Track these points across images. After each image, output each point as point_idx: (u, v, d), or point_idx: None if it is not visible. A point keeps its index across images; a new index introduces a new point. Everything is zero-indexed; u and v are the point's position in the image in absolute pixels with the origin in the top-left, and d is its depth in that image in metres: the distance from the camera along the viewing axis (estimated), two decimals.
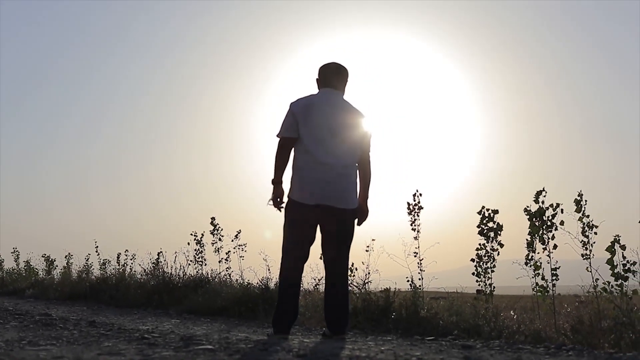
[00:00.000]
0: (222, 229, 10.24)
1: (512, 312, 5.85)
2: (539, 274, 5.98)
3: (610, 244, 5.31)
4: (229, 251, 9.97)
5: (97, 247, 14.67)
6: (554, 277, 5.86)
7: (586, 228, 5.57)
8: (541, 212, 5.91)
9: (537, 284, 5.98)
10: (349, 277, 6.82)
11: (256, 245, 9.71)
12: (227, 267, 9.90)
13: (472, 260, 6.44)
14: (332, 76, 5.04)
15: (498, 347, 4.34)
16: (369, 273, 6.96)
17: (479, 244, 6.45)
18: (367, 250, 7.03)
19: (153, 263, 11.19)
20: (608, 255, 5.32)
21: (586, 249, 5.54)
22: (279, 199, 4.91)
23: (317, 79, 5.10)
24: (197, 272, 10.28)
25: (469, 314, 5.63)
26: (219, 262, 10.01)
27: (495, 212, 6.45)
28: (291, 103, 4.91)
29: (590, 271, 5.45)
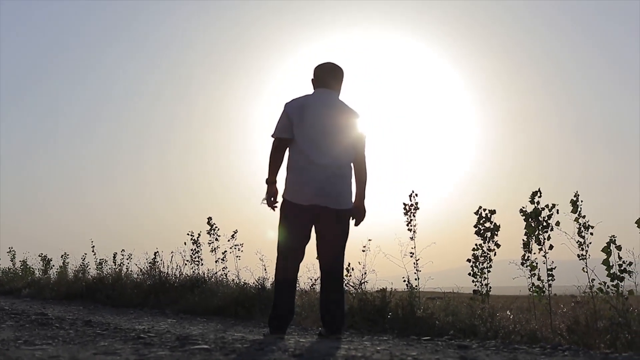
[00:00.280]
0: (218, 229, 10.26)
1: (508, 312, 5.85)
2: (535, 274, 5.99)
3: (606, 244, 5.32)
4: (225, 251, 9.99)
5: (93, 246, 14.68)
6: (550, 278, 5.87)
7: (582, 228, 5.58)
8: (537, 212, 5.92)
9: (533, 284, 5.99)
10: (346, 277, 6.83)
11: (253, 245, 9.72)
12: (224, 267, 9.93)
13: (469, 260, 6.45)
14: (327, 76, 5.04)
15: (494, 347, 4.34)
16: (365, 273, 6.97)
17: (476, 244, 6.46)
18: (363, 251, 7.04)
19: (150, 263, 11.18)
20: (604, 256, 5.33)
21: (582, 249, 5.55)
22: (272, 199, 4.93)
23: (312, 79, 5.10)
24: (193, 272, 10.29)
25: (465, 314, 5.64)
26: (216, 262, 10.03)
27: (493, 212, 6.46)
28: (286, 103, 4.91)
29: (587, 271, 5.46)
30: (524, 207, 6.03)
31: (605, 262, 5.31)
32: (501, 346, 4.45)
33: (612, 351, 4.20)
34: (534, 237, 5.95)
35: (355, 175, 4.98)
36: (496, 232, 6.41)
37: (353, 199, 4.96)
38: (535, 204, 5.97)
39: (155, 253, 11.40)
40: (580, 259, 5.55)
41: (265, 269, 8.41)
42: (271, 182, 4.93)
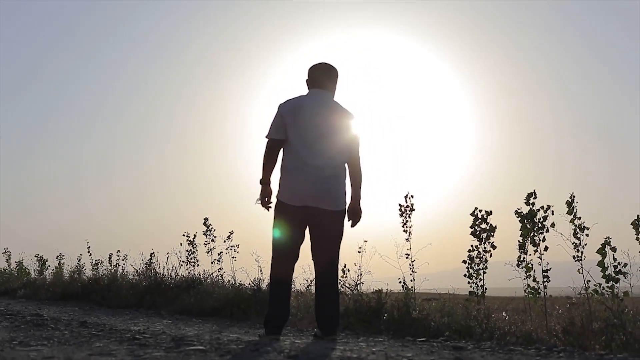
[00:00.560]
0: (214, 230, 10.25)
1: (503, 314, 5.86)
2: (530, 275, 5.99)
3: (600, 246, 5.32)
4: (221, 252, 9.99)
5: (89, 247, 14.66)
6: (545, 279, 5.88)
7: (578, 230, 5.59)
8: (532, 214, 5.93)
9: (528, 285, 5.99)
10: (341, 279, 6.83)
11: (248, 246, 9.71)
12: (220, 268, 9.92)
13: (464, 261, 6.46)
14: (322, 77, 5.04)
15: (489, 349, 4.35)
16: (361, 274, 6.97)
17: (471, 246, 6.46)
18: (359, 252, 7.04)
19: (145, 264, 11.17)
20: (600, 257, 5.34)
21: (578, 250, 5.56)
22: (266, 199, 4.93)
23: (306, 80, 5.10)
24: (189, 272, 10.28)
25: (460, 315, 5.64)
26: (212, 263, 10.02)
27: (489, 213, 6.47)
28: (280, 104, 4.91)
29: (582, 273, 5.47)
30: (519, 209, 6.04)
31: (601, 263, 5.32)
32: (496, 347, 4.46)
33: (607, 352, 4.20)
34: (529, 239, 5.96)
35: (350, 176, 4.99)
36: (492, 233, 6.41)
37: (347, 200, 4.96)
38: (531, 206, 5.98)
39: (151, 254, 11.40)
40: (575, 260, 5.56)
41: (260, 270, 8.43)
42: (265, 182, 4.93)
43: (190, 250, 10.60)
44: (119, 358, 3.25)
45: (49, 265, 16.91)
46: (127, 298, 10.08)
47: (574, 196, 5.66)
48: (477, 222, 6.48)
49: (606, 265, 5.31)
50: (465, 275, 6.43)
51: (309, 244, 4.92)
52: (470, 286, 6.39)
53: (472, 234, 6.48)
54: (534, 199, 5.99)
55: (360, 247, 7.04)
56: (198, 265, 10.44)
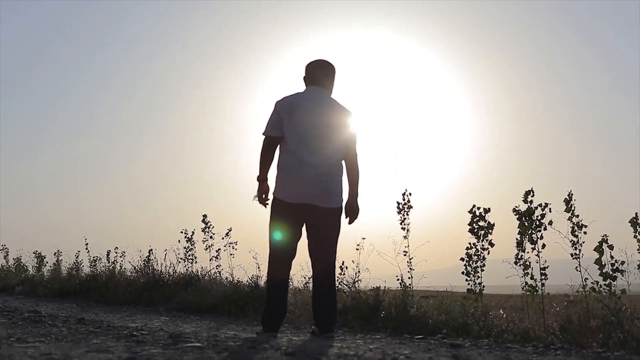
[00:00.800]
0: (213, 227, 10.25)
1: (501, 311, 5.87)
2: (528, 273, 5.99)
3: (598, 244, 5.33)
4: (219, 249, 9.98)
5: (87, 244, 14.64)
6: (543, 277, 5.88)
7: (576, 228, 5.59)
8: (530, 211, 5.93)
9: (526, 283, 5.99)
10: (339, 276, 6.83)
11: (246, 243, 9.71)
12: (217, 265, 9.92)
13: (462, 259, 6.46)
14: (319, 74, 5.03)
15: (487, 346, 4.35)
16: (359, 271, 6.97)
17: (469, 243, 6.46)
18: (357, 249, 7.04)
19: (143, 261, 11.16)
20: (597, 255, 5.34)
21: (575, 248, 5.56)
22: (264, 196, 4.94)
23: (304, 77, 5.09)
24: (187, 270, 10.28)
25: (458, 312, 5.64)
26: (210, 260, 10.02)
27: (487, 210, 6.47)
28: (276, 102, 4.90)
29: (580, 271, 5.47)
30: (517, 207, 6.05)
31: (598, 261, 5.32)
32: (494, 345, 4.46)
33: (604, 350, 4.21)
34: (527, 236, 5.96)
35: (347, 174, 4.98)
36: (490, 231, 6.41)
37: (344, 197, 4.96)
38: (529, 203, 5.98)
39: (149, 251, 11.39)
40: (573, 258, 5.56)
41: (258, 267, 8.43)
42: (262, 179, 4.94)
43: (188, 247, 10.60)
44: (117, 355, 3.25)
45: (47, 262, 16.90)
46: (124, 295, 10.09)
47: (571, 194, 5.66)
48: (475, 220, 6.48)
49: (603, 263, 5.31)
50: (463, 273, 6.43)
51: (306, 241, 4.92)
52: (468, 284, 6.39)
53: (470, 231, 6.48)
54: (531, 196, 5.99)
55: (358, 245, 7.05)
56: (196, 262, 10.46)
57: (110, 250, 13.60)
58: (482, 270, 6.40)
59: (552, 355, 3.94)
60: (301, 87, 5.07)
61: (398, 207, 6.82)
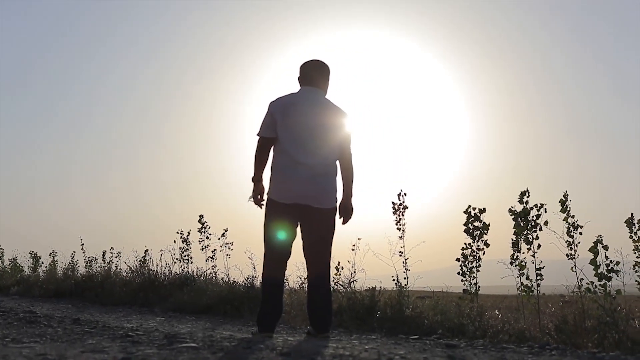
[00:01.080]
0: (209, 227, 10.24)
1: (496, 312, 5.87)
2: (523, 273, 6.00)
3: (593, 244, 5.33)
4: (215, 249, 9.98)
5: (82, 244, 14.63)
6: (538, 277, 5.88)
7: (571, 228, 5.60)
8: (525, 212, 5.93)
9: (522, 283, 6.00)
10: (335, 276, 6.83)
11: (242, 244, 9.70)
12: (213, 266, 9.92)
13: (458, 259, 6.46)
14: (314, 74, 5.02)
15: (482, 347, 4.35)
16: (354, 272, 6.97)
17: (465, 244, 6.46)
18: (352, 249, 7.04)
19: (139, 261, 11.15)
20: (593, 255, 5.35)
21: (571, 249, 5.57)
22: (259, 196, 4.94)
23: (298, 77, 5.08)
24: (182, 270, 10.27)
25: (453, 313, 5.65)
26: (206, 260, 10.01)
27: (482, 211, 6.47)
28: (270, 102, 4.90)
29: (575, 271, 5.47)
30: (513, 207, 6.05)
31: (593, 262, 5.33)
32: (489, 345, 4.47)
33: (599, 350, 4.21)
34: (522, 237, 5.97)
35: (342, 174, 4.98)
36: (485, 231, 6.42)
37: (339, 198, 4.96)
38: (524, 204, 5.98)
39: (145, 251, 11.38)
40: (569, 259, 5.56)
41: (254, 268, 8.43)
42: (257, 180, 4.94)
43: (184, 247, 10.59)
44: (112, 355, 3.24)
45: (43, 263, 16.89)
46: (120, 295, 10.08)
47: (567, 194, 5.66)
48: (470, 220, 6.48)
49: (598, 264, 5.32)
50: (458, 273, 6.43)
51: (301, 242, 4.92)
52: (464, 284, 6.39)
53: (466, 231, 6.48)
54: (527, 197, 6.00)
55: (353, 245, 7.05)
56: (192, 262, 10.45)
57: (105, 251, 13.61)
58: (477, 270, 6.41)
59: (547, 355, 3.94)
60: (296, 87, 5.07)
61: (393, 208, 6.83)
